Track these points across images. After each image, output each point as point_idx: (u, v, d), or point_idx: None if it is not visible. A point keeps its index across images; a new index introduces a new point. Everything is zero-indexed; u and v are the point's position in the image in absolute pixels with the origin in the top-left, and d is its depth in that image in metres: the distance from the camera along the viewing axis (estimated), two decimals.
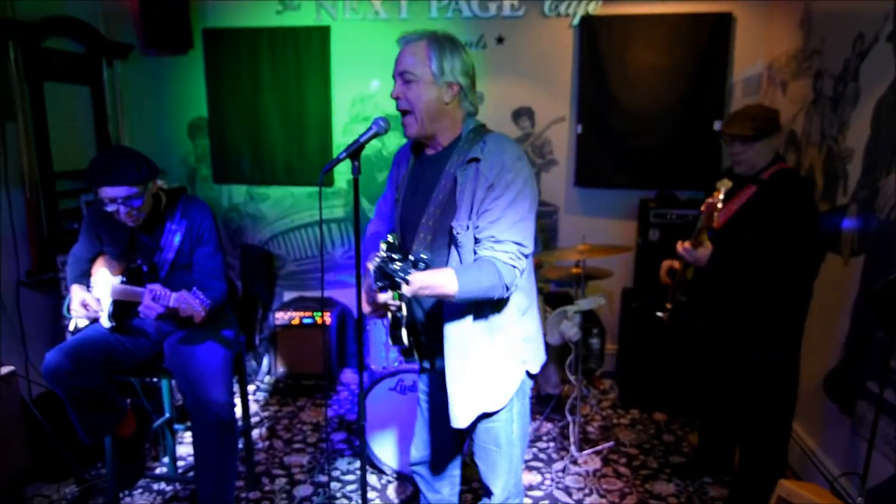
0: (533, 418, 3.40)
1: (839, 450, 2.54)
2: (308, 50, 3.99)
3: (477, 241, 1.64)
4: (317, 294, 4.29)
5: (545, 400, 3.49)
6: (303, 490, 2.83)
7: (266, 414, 3.58)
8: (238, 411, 2.55)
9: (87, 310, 2.38)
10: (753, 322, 2.37)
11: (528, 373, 1.82)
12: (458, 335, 1.71)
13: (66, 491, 2.78)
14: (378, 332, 3.18)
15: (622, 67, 3.72)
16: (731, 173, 2.47)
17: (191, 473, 2.94)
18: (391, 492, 2.81)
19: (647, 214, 3.64)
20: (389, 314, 1.72)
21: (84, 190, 3.39)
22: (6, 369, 2.37)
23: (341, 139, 4.11)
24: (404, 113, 1.68)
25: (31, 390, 2.95)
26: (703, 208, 2.37)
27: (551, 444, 3.23)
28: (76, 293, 2.40)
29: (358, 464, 3.02)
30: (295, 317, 3.85)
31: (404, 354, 1.78)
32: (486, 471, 1.88)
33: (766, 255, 2.26)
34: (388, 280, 1.39)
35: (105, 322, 2.40)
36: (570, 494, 2.80)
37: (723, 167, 3.76)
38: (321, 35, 3.98)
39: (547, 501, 2.75)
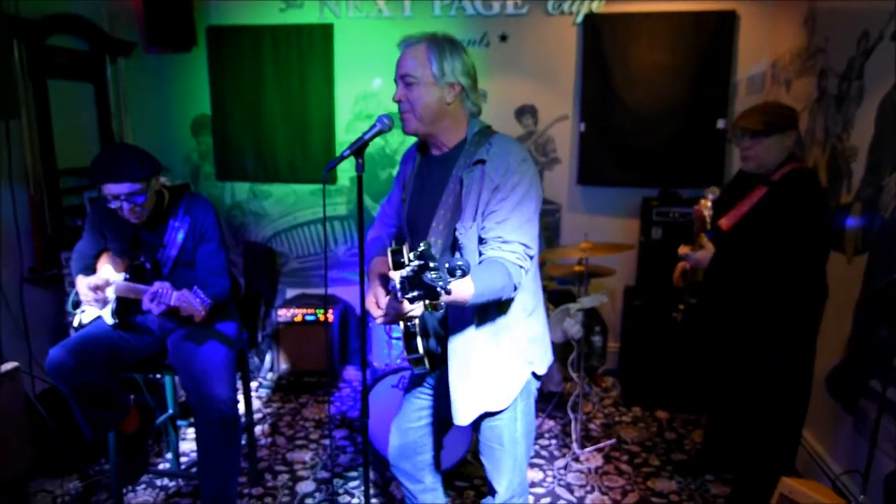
0: (535, 416, 3.40)
1: (841, 448, 2.54)
2: (311, 48, 3.99)
3: (483, 241, 1.64)
4: (319, 291, 4.29)
5: (547, 397, 3.50)
6: (305, 486, 2.84)
7: (269, 410, 3.59)
8: (241, 408, 2.56)
9: (98, 293, 2.38)
10: (754, 322, 2.35)
11: (534, 374, 1.82)
12: (463, 336, 1.71)
13: (70, 486, 2.80)
14: (380, 329, 3.19)
15: (625, 65, 3.72)
16: (742, 175, 2.45)
17: (194, 469, 2.95)
18: (393, 488, 2.82)
19: (649, 213, 3.64)
20: (402, 324, 1.65)
21: (88, 187, 3.40)
22: (10, 365, 2.37)
23: (344, 137, 4.11)
24: (404, 112, 1.69)
25: (35, 386, 2.96)
26: (694, 214, 2.37)
27: (553, 442, 3.24)
28: (82, 281, 2.40)
29: (360, 460, 3.02)
30: (297, 314, 3.86)
31: (415, 363, 1.72)
32: (491, 469, 1.88)
33: (765, 255, 2.23)
34: (424, 290, 1.28)
35: (108, 319, 2.40)
36: (571, 492, 2.81)
37: (726, 166, 3.77)
38: (324, 33, 3.98)
39: (549, 498, 2.76)
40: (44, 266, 3.14)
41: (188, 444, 3.17)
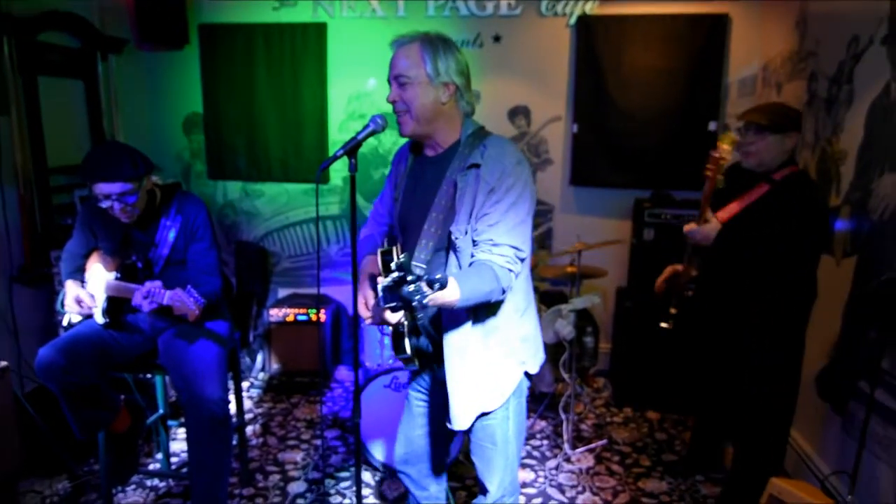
0: (527, 416, 3.41)
1: (830, 449, 2.56)
2: (304, 47, 3.98)
3: (474, 243, 1.64)
4: (311, 291, 4.28)
5: (539, 398, 3.50)
6: (296, 487, 2.84)
7: (260, 411, 3.58)
8: (232, 408, 2.55)
9: (81, 306, 2.38)
10: (754, 322, 2.36)
11: (526, 373, 1.82)
12: (457, 338, 1.71)
13: (59, 487, 2.78)
14: (373, 329, 3.19)
15: (618, 67, 3.73)
16: (736, 169, 2.46)
17: (184, 470, 2.94)
18: (385, 488, 2.81)
19: (641, 214, 3.66)
20: (392, 327, 1.69)
21: (78, 185, 3.37)
22: None
23: (337, 136, 4.10)
24: (400, 113, 1.68)
25: (24, 386, 2.94)
26: (709, 166, 2.32)
27: (545, 442, 3.24)
28: (70, 289, 2.39)
29: (352, 461, 3.02)
30: (289, 313, 3.85)
31: (405, 362, 1.76)
32: (483, 468, 1.89)
33: (758, 255, 2.25)
34: (402, 302, 1.32)
35: (99, 318, 2.39)
36: (563, 492, 2.82)
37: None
38: (318, 32, 3.97)
39: (540, 499, 2.76)
40: (33, 265, 3.11)
41: (179, 444, 3.15)
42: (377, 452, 2.88)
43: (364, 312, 1.70)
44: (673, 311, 2.66)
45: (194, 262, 2.42)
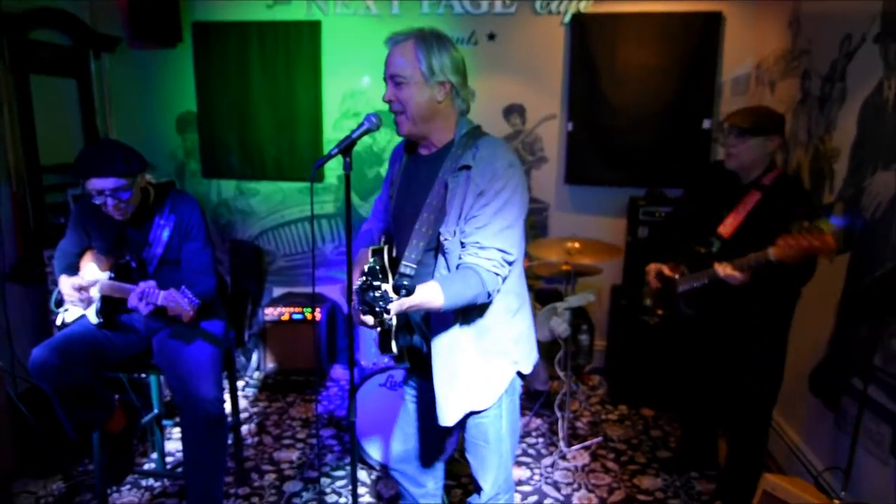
0: (522, 414, 3.41)
1: (823, 445, 2.58)
2: (298, 45, 3.97)
3: (462, 245, 1.64)
4: (306, 290, 4.27)
5: (534, 396, 3.51)
6: (292, 486, 2.83)
7: (255, 410, 3.57)
8: (227, 407, 2.54)
9: (81, 293, 2.35)
10: (755, 322, 2.37)
11: (519, 373, 1.82)
12: (445, 337, 1.71)
13: (53, 487, 2.76)
14: (368, 329, 3.18)
15: (613, 65, 3.74)
16: (718, 173, 2.48)
17: (179, 469, 2.93)
18: (381, 487, 2.81)
19: (636, 212, 3.67)
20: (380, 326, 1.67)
21: (71, 184, 3.35)
22: None
23: (331, 135, 4.09)
24: (396, 113, 1.67)
25: (17, 386, 2.92)
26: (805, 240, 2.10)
27: (540, 440, 3.25)
28: (65, 280, 2.37)
29: (347, 459, 3.02)
30: (284, 312, 3.84)
31: (396, 360, 1.77)
32: (477, 466, 1.89)
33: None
34: (367, 307, 1.35)
35: (93, 318, 2.38)
36: (558, 489, 2.83)
37: None
38: (312, 30, 3.96)
39: (536, 496, 2.77)
40: (26, 264, 3.09)
41: (174, 443, 3.14)
42: (373, 451, 2.88)
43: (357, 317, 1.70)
44: (660, 312, 2.67)
45: (188, 262, 2.41)
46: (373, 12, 3.93)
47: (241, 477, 2.85)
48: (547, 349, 3.35)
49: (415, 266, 1.67)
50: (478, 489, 1.92)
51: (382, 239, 1.91)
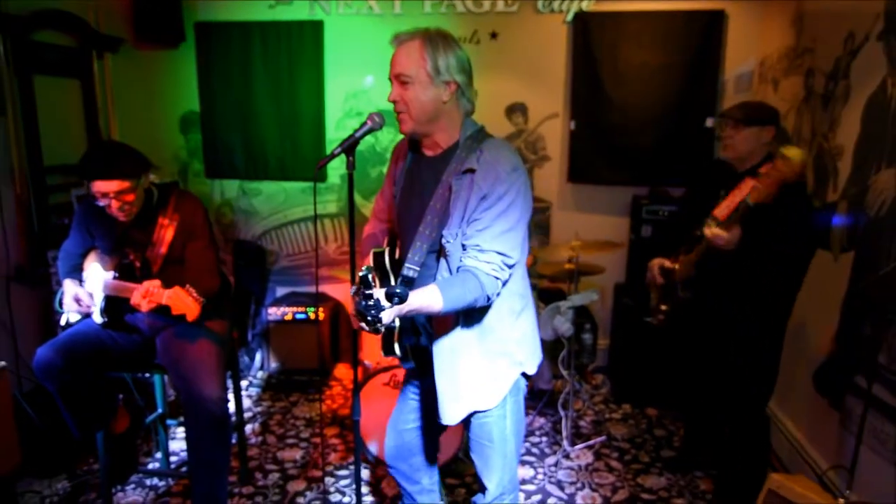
0: (526, 413, 3.40)
1: (828, 444, 2.57)
2: (301, 45, 3.98)
3: (463, 248, 1.63)
4: (310, 289, 4.28)
5: (538, 395, 3.51)
6: (296, 485, 2.84)
7: (259, 409, 3.58)
8: (231, 406, 2.55)
9: (80, 305, 2.38)
10: (751, 317, 2.38)
11: (523, 374, 1.82)
12: (449, 338, 1.71)
13: (58, 486, 2.77)
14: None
15: (615, 64, 3.73)
16: (718, 166, 2.55)
17: (184, 468, 2.94)
18: (385, 486, 2.82)
19: (639, 211, 3.67)
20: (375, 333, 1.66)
21: (75, 184, 3.36)
22: None
23: (334, 134, 4.10)
24: (401, 112, 1.67)
25: (22, 386, 2.93)
26: (766, 171, 2.22)
27: (544, 439, 3.25)
28: (68, 288, 2.39)
29: (351, 459, 3.02)
30: (288, 312, 3.85)
31: (400, 360, 1.77)
32: (481, 466, 1.89)
33: (765, 251, 2.26)
34: (359, 314, 1.36)
35: (97, 318, 2.38)
36: (562, 488, 2.82)
37: None
38: (314, 30, 3.96)
39: (539, 495, 2.77)
40: (30, 265, 3.10)
41: (178, 443, 3.15)
42: (377, 450, 2.88)
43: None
44: (664, 307, 2.67)
45: (192, 261, 2.41)
46: (375, 12, 3.94)
47: (245, 476, 2.86)
48: (550, 348, 3.35)
49: (418, 268, 1.67)
50: (482, 489, 1.92)
51: (386, 241, 1.91)
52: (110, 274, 2.36)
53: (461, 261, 1.63)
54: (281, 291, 4.36)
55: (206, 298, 2.20)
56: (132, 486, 2.83)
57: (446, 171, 1.67)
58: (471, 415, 1.79)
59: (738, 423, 2.55)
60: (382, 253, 1.71)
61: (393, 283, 1.70)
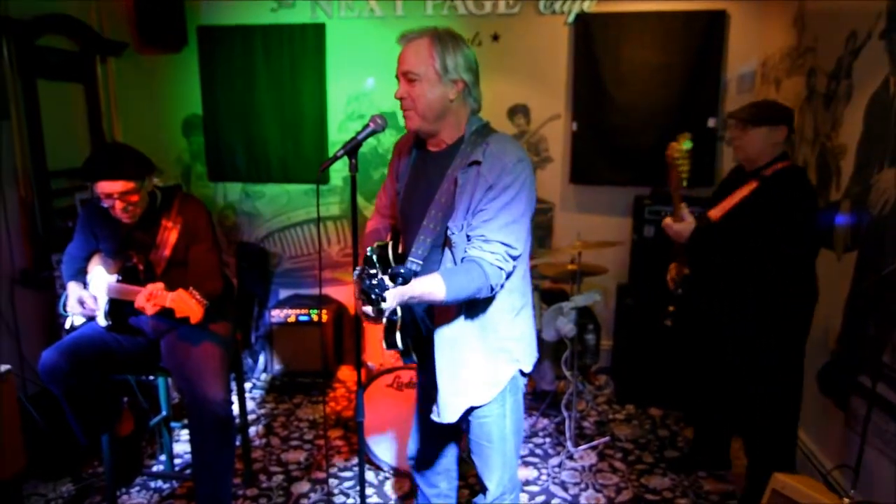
0: (529, 414, 3.42)
1: (832, 444, 2.56)
2: (303, 48, 3.99)
3: (468, 238, 1.64)
4: (313, 292, 4.29)
5: (541, 396, 3.51)
6: (300, 487, 2.84)
7: (263, 411, 3.58)
8: (235, 409, 2.55)
9: (84, 307, 2.38)
10: (750, 321, 2.36)
11: (521, 371, 1.83)
12: (450, 332, 1.72)
13: (63, 489, 2.78)
14: (375, 328, 3.19)
15: (617, 65, 3.74)
16: (738, 171, 2.49)
17: (188, 471, 2.94)
18: (388, 488, 2.82)
19: (641, 211, 3.66)
20: (384, 319, 1.67)
21: (79, 188, 3.38)
22: (2, 368, 2.35)
23: (336, 137, 4.11)
24: (407, 109, 1.67)
25: (27, 389, 2.94)
26: (666, 161, 2.38)
27: (547, 440, 3.25)
28: (73, 291, 2.40)
29: (355, 460, 3.03)
30: (291, 314, 3.85)
31: (402, 355, 1.78)
32: (481, 466, 1.89)
33: (752, 249, 2.24)
34: (364, 295, 1.35)
35: (101, 320, 2.39)
36: (566, 489, 2.82)
37: (717, 164, 3.80)
38: (316, 33, 3.97)
39: (543, 496, 2.77)
40: (35, 268, 3.11)
41: (182, 445, 3.16)
42: (381, 452, 2.88)
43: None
44: (671, 308, 2.67)
45: (196, 264, 2.42)
46: (377, 14, 3.95)
47: (249, 478, 2.86)
48: (553, 349, 3.35)
49: (421, 262, 1.67)
50: (483, 489, 1.92)
51: (389, 236, 1.92)
52: (114, 277, 2.37)
53: (465, 251, 1.63)
54: (284, 294, 4.37)
55: (209, 301, 2.21)
56: (137, 488, 2.84)
57: (451, 165, 1.68)
58: (469, 413, 1.79)
59: (754, 434, 2.50)
60: (385, 246, 1.71)
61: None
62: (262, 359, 4.03)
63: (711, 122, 3.71)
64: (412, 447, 2.05)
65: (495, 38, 3.89)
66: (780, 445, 2.45)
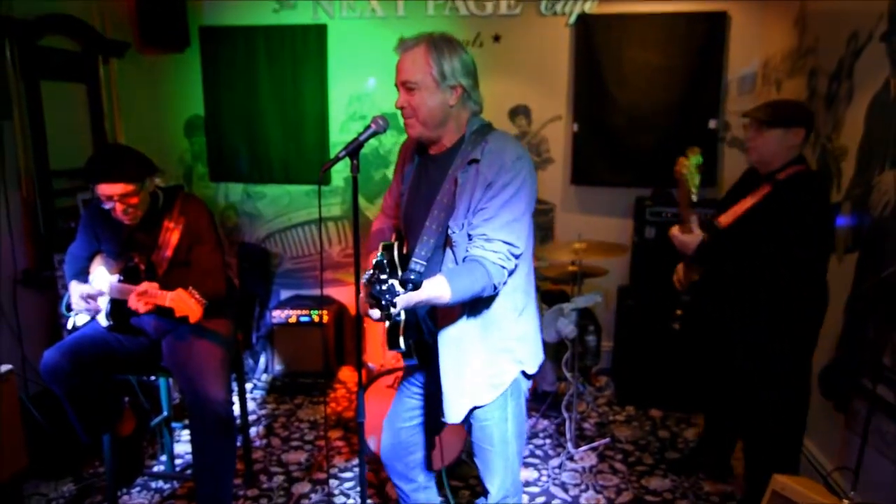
0: (529, 415, 3.42)
1: (833, 445, 2.57)
2: (305, 48, 3.99)
3: (469, 237, 1.64)
4: (314, 292, 4.29)
5: (541, 397, 3.51)
6: (301, 487, 2.84)
7: (263, 412, 3.59)
8: (236, 409, 2.56)
9: (89, 302, 2.38)
10: (759, 326, 2.30)
11: (524, 373, 1.82)
12: (453, 331, 1.72)
13: (64, 489, 2.79)
14: (376, 329, 3.19)
15: (618, 66, 3.74)
16: (751, 175, 2.42)
17: (189, 471, 2.95)
18: (389, 489, 2.82)
19: (642, 212, 3.66)
20: (387, 320, 1.68)
21: (81, 188, 3.38)
22: (4, 368, 2.36)
23: (338, 137, 4.11)
24: (408, 117, 1.68)
25: (29, 388, 2.95)
26: (675, 177, 2.28)
27: (548, 441, 3.25)
28: (76, 288, 2.40)
29: (356, 461, 3.03)
30: (292, 315, 3.86)
31: (404, 356, 1.78)
32: (483, 469, 1.89)
33: (763, 254, 2.17)
34: (374, 300, 1.36)
35: (103, 321, 2.40)
36: (566, 490, 2.82)
37: (718, 166, 3.80)
38: (318, 33, 3.98)
39: (544, 498, 2.77)
40: (37, 268, 3.12)
41: (183, 446, 3.16)
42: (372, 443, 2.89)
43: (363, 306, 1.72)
44: (679, 312, 2.63)
45: (199, 265, 2.43)
46: (378, 14, 3.95)
47: (249, 479, 2.86)
48: (554, 350, 3.35)
49: (425, 263, 1.68)
50: (485, 492, 1.92)
51: (394, 236, 1.92)
52: (116, 277, 2.37)
53: (467, 250, 1.63)
54: (285, 294, 4.37)
55: (213, 301, 2.21)
56: (137, 488, 2.84)
57: (452, 166, 1.68)
58: (471, 414, 1.79)
59: (755, 438, 2.48)
60: (392, 246, 1.72)
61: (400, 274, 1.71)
62: (262, 359, 4.03)
63: (712, 124, 3.71)
64: (387, 442, 2.01)
65: (496, 39, 3.89)
66: (786, 450, 2.41)
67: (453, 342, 1.72)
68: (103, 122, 3.66)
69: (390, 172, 3.91)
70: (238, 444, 2.64)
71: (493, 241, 1.60)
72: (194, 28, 4.07)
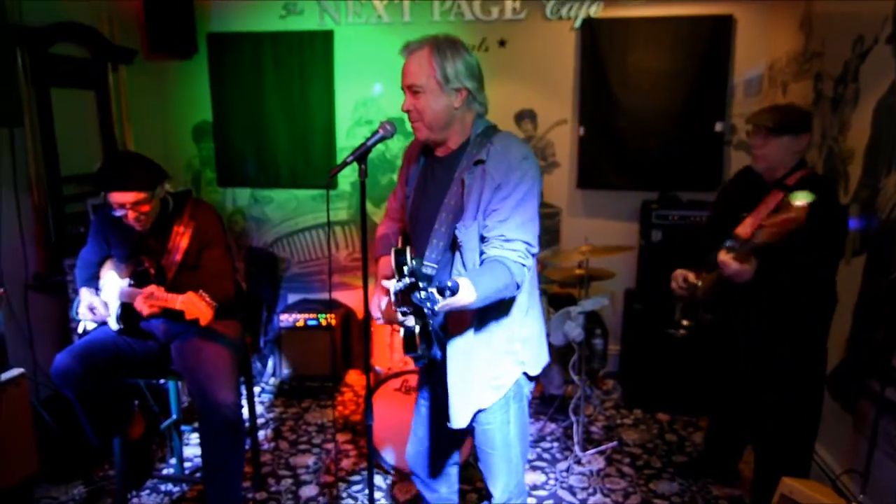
0: (537, 419, 3.42)
1: (841, 448, 2.56)
2: (311, 54, 4.02)
3: (485, 240, 1.64)
4: (321, 296, 4.31)
5: (549, 400, 3.51)
6: (309, 490, 2.85)
7: (271, 415, 3.60)
8: (244, 412, 2.57)
9: (94, 314, 2.41)
10: (779, 330, 2.28)
11: (526, 375, 1.82)
12: (463, 339, 1.72)
13: (75, 492, 2.81)
14: (383, 333, 3.20)
15: (624, 70, 3.75)
16: (748, 179, 2.40)
17: (198, 474, 2.96)
18: (397, 492, 2.83)
19: (649, 216, 3.66)
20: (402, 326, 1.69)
21: (91, 193, 3.42)
22: (15, 371, 2.39)
23: (345, 142, 4.14)
24: (415, 121, 1.69)
25: (39, 392, 2.98)
26: (776, 219, 2.01)
27: (555, 445, 3.25)
28: (84, 297, 2.43)
29: (364, 464, 3.04)
30: (300, 319, 3.88)
31: (416, 360, 1.78)
32: (486, 473, 1.90)
33: (800, 262, 2.12)
34: (413, 307, 1.36)
35: (113, 324, 2.42)
36: (574, 494, 2.82)
37: (724, 168, 3.79)
38: (324, 39, 4.01)
39: (551, 501, 2.77)
40: (48, 272, 3.15)
41: (192, 449, 3.18)
42: (388, 455, 2.90)
43: (375, 313, 1.72)
44: (686, 322, 2.55)
45: (209, 269, 2.44)
46: (384, 20, 3.97)
47: (258, 482, 2.88)
48: (561, 353, 3.35)
49: (435, 265, 1.68)
50: (489, 495, 1.92)
51: (400, 240, 1.93)
52: (126, 281, 2.40)
53: (483, 252, 1.64)
54: (292, 298, 4.39)
55: (222, 304, 2.22)
56: (147, 491, 2.86)
57: (458, 168, 1.69)
58: (474, 418, 1.79)
59: (765, 444, 2.45)
60: (403, 252, 1.73)
61: None
62: (270, 363, 4.05)
63: (719, 127, 3.71)
64: (410, 451, 2.05)
65: (502, 43, 3.91)
66: (796, 455, 2.38)
67: (462, 352, 1.72)
68: (112, 128, 3.70)
69: (396, 177, 3.92)
70: (246, 447, 2.66)
71: (513, 241, 1.61)
72: (202, 35, 4.10)
